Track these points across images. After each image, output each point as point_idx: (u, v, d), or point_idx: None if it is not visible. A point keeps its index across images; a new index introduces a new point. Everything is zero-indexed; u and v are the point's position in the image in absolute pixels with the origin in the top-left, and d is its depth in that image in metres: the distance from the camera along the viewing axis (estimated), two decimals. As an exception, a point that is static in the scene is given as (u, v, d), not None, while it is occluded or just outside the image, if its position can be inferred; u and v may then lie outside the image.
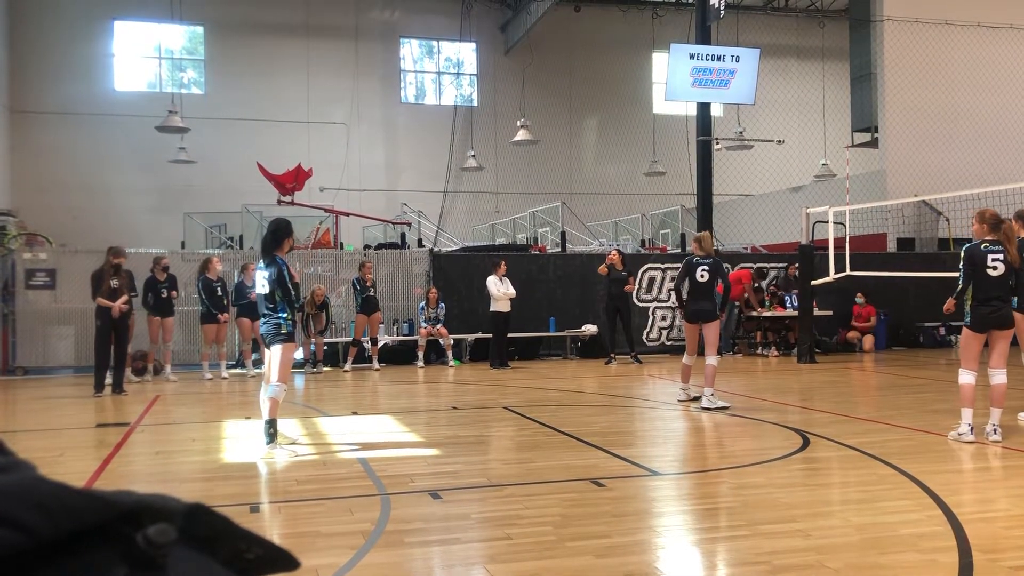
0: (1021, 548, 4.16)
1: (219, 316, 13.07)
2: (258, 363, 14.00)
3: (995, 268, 7.05)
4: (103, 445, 7.51)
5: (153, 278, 12.89)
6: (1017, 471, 6.02)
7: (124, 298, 11.29)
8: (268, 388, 6.90)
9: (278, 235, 6.91)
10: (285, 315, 6.81)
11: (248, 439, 7.81)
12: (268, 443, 6.78)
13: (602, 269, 14.75)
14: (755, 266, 16.77)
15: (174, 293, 13.11)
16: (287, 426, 8.43)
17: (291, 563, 0.64)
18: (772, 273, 17.05)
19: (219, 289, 13.19)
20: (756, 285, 16.35)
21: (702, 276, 9.43)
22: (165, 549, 0.56)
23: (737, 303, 16.57)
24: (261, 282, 6.96)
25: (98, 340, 11.22)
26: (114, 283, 11.17)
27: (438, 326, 14.73)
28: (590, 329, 15.84)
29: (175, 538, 0.56)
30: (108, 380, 11.54)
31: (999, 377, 7.15)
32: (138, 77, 23.87)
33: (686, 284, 9.66)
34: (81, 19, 22.68)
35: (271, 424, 6.82)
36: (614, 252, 15.13)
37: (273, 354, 6.91)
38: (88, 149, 22.27)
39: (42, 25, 22.35)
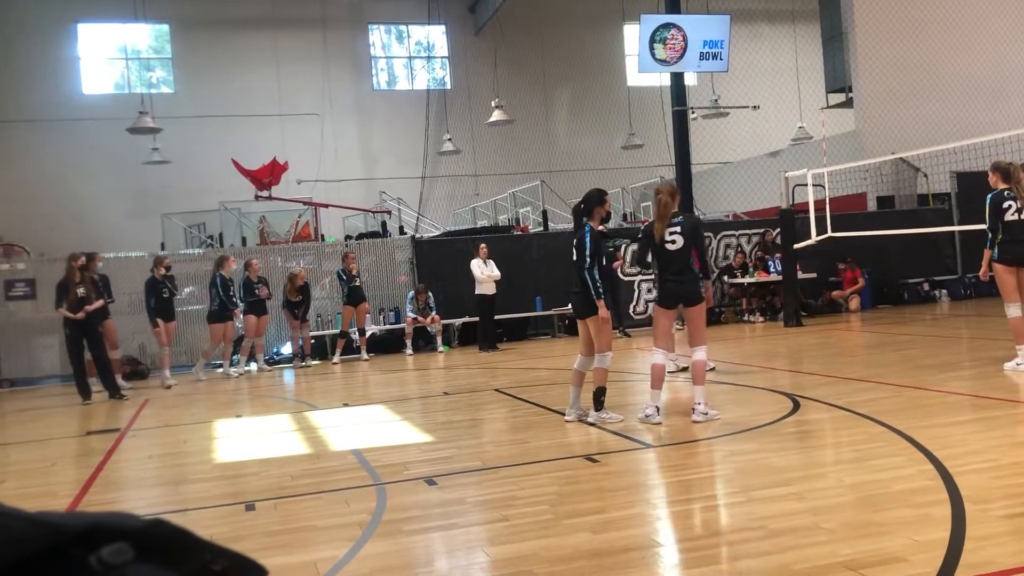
0: (1012, 496, 4.20)
1: (234, 313, 13.11)
2: (250, 359, 13.94)
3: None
4: (94, 452, 7.46)
5: (153, 279, 12.67)
6: (1005, 420, 6.08)
7: (99, 303, 11.16)
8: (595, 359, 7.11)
9: (588, 204, 7.14)
10: (597, 284, 6.91)
11: (240, 437, 7.80)
12: (596, 410, 7.03)
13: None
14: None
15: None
16: (281, 420, 8.43)
17: (259, 572, 0.63)
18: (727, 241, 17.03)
19: (231, 287, 13.18)
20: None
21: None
22: (121, 569, 0.54)
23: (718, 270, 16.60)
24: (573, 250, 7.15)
25: (70, 349, 11.10)
26: (80, 291, 10.91)
27: (432, 314, 14.76)
28: (577, 306, 15.86)
29: (131, 557, 0.55)
30: (97, 388, 11.46)
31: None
32: (105, 79, 23.58)
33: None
34: (43, 23, 22.34)
35: (600, 392, 7.04)
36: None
37: (591, 329, 7.07)
38: (60, 155, 21.99)
39: (2, 32, 21.99)
